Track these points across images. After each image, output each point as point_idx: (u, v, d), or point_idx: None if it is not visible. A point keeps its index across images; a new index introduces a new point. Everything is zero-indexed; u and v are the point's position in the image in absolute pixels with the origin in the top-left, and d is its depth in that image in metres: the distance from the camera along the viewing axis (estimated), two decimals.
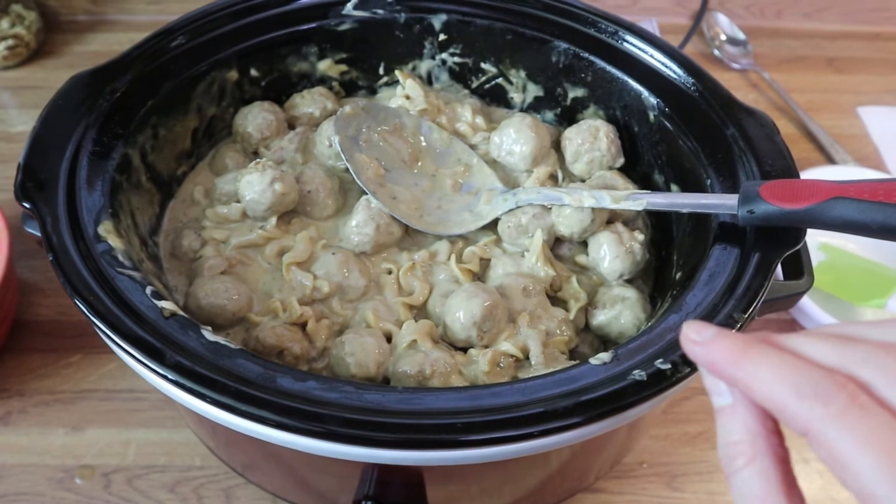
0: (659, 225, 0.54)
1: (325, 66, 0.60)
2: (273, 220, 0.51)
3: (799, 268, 0.46)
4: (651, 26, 0.89)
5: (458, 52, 0.60)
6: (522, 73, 0.60)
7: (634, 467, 0.56)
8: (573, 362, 0.44)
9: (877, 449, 0.21)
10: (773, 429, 0.25)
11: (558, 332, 0.47)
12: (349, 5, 0.57)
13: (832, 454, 0.22)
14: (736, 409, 0.25)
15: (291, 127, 0.58)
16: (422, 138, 0.56)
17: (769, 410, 0.24)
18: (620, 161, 0.55)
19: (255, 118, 0.56)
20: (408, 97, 0.58)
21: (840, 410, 0.22)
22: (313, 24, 0.57)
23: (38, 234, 0.41)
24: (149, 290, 0.40)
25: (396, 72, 0.60)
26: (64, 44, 0.87)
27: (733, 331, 0.26)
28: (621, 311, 0.48)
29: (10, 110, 0.80)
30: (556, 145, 0.57)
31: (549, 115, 0.61)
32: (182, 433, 0.55)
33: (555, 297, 0.50)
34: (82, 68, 0.50)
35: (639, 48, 0.54)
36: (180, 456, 0.54)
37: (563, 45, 0.56)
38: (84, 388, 0.58)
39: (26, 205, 0.42)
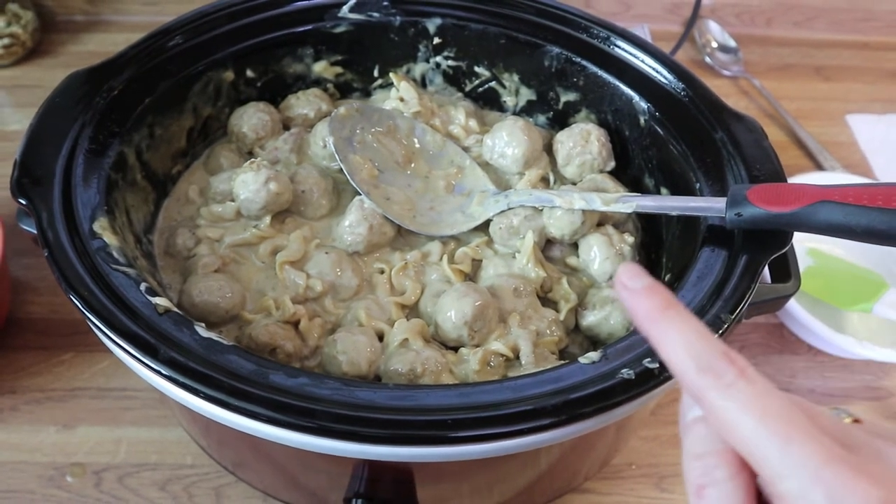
0: (649, 228, 0.55)
1: (320, 67, 0.60)
2: (267, 219, 0.51)
3: (786, 271, 0.46)
4: (643, 32, 0.90)
5: (452, 55, 0.61)
6: (515, 77, 0.60)
7: (623, 468, 0.56)
8: (563, 361, 0.44)
9: (756, 412, 0.23)
10: None
11: (548, 332, 0.48)
12: (345, 8, 0.58)
13: (720, 419, 0.24)
14: None
15: (286, 128, 0.59)
16: (415, 140, 0.56)
17: (670, 370, 0.26)
18: (611, 164, 0.56)
19: (251, 118, 0.56)
20: (402, 99, 0.58)
21: (728, 383, 0.24)
22: (309, 27, 0.58)
23: (34, 231, 0.41)
24: (143, 286, 0.40)
25: (391, 74, 0.61)
26: (60, 43, 0.87)
27: (662, 286, 0.27)
28: (611, 313, 0.49)
29: (4, 109, 0.80)
30: (549, 148, 0.58)
31: (542, 118, 0.62)
32: (173, 432, 0.55)
33: (545, 298, 0.51)
34: (78, 68, 0.50)
35: (630, 53, 0.55)
36: (171, 454, 0.54)
37: (556, 50, 0.57)
38: (76, 386, 0.58)
39: (22, 201, 0.42)
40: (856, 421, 0.27)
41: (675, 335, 0.26)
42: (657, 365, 0.37)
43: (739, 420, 0.24)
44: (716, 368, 0.24)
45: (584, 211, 0.50)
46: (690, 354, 0.25)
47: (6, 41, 0.81)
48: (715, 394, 0.24)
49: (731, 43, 0.93)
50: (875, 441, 0.25)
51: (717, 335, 0.39)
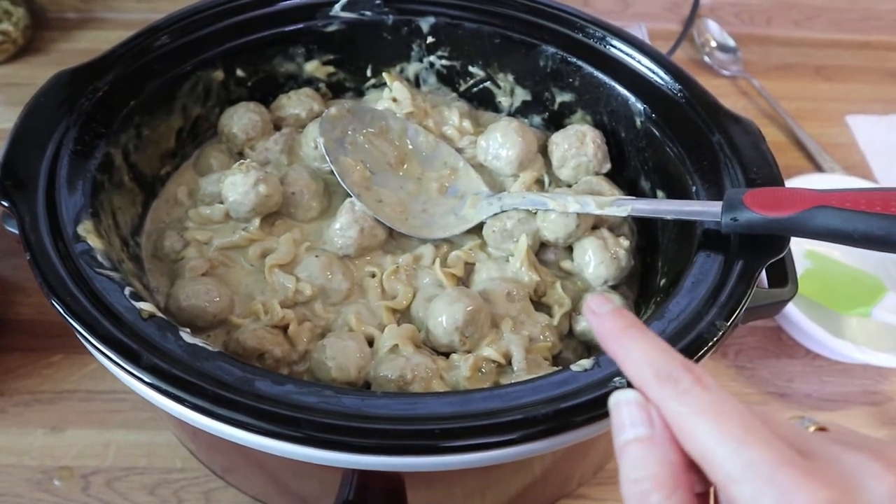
0: (644, 231, 0.54)
1: (312, 67, 0.60)
2: (256, 221, 0.51)
3: (783, 276, 0.46)
4: (640, 32, 0.89)
5: (445, 55, 0.60)
6: (510, 77, 0.60)
7: (617, 474, 0.56)
8: (556, 368, 0.44)
9: (711, 416, 0.25)
10: (691, 464, 0.26)
11: (542, 337, 0.47)
12: (337, 6, 0.57)
13: (678, 425, 0.25)
14: (655, 441, 0.26)
15: (277, 128, 0.58)
16: (408, 141, 0.56)
17: (634, 385, 0.27)
18: (607, 166, 0.55)
19: (241, 119, 0.56)
20: (395, 100, 0.58)
21: (685, 389, 0.25)
22: (300, 25, 0.57)
23: (17, 233, 0.41)
24: (127, 290, 0.39)
25: (384, 74, 0.60)
26: (52, 41, 0.86)
27: (627, 311, 0.29)
28: None
29: None
30: (544, 150, 0.57)
31: (537, 119, 0.61)
32: (162, 435, 0.55)
33: (539, 303, 0.50)
34: (70, 66, 0.49)
35: (626, 54, 0.54)
36: (160, 458, 0.54)
37: (551, 50, 0.56)
38: (65, 388, 0.57)
39: (5, 203, 0.42)
40: (821, 429, 0.28)
41: (637, 351, 0.27)
42: None
43: (695, 424, 0.25)
44: (673, 376, 0.26)
45: (578, 214, 0.49)
46: (650, 366, 0.27)
47: None
48: (673, 401, 0.25)
49: (731, 42, 0.93)
50: (832, 447, 0.25)
51: (711, 343, 0.39)
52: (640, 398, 0.27)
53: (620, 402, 0.28)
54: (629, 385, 0.36)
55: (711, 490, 0.27)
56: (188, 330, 0.39)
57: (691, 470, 0.26)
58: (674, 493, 0.25)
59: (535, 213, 0.51)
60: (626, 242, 0.51)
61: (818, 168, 0.80)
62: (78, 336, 0.38)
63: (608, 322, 0.29)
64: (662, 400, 0.26)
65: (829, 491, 0.22)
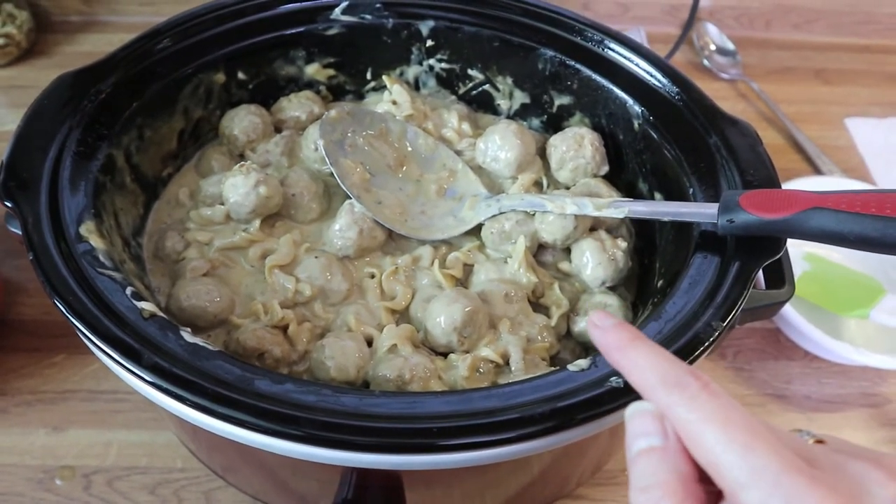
0: (642, 233, 0.54)
1: (312, 70, 0.60)
2: (257, 222, 0.51)
3: (780, 277, 0.46)
4: (639, 35, 0.90)
5: (445, 58, 0.60)
6: (509, 80, 0.60)
7: (616, 474, 0.56)
8: (553, 368, 0.44)
9: (718, 422, 0.25)
10: (703, 478, 0.26)
11: (539, 338, 0.47)
12: (337, 10, 0.58)
13: (685, 431, 0.26)
14: (667, 451, 0.26)
15: (278, 130, 0.58)
16: (407, 143, 0.56)
17: (640, 393, 0.28)
18: (605, 169, 0.56)
19: (242, 121, 0.56)
20: (394, 102, 0.58)
21: (693, 395, 0.26)
22: (301, 28, 0.57)
23: (20, 233, 0.41)
24: (129, 290, 0.40)
25: (384, 77, 0.61)
26: (55, 44, 0.87)
27: (629, 325, 0.30)
28: None
29: (0, 109, 0.80)
30: (542, 152, 0.58)
31: (536, 122, 0.61)
32: (163, 435, 0.55)
33: (537, 304, 0.51)
34: (73, 68, 0.50)
35: (624, 57, 0.55)
36: (161, 458, 0.54)
37: (550, 53, 0.56)
38: (67, 388, 0.57)
39: (8, 204, 0.42)
40: (819, 441, 0.28)
41: (642, 360, 0.28)
42: None
43: (703, 430, 0.25)
44: (681, 383, 0.26)
45: (576, 216, 0.49)
46: (657, 374, 0.27)
47: (1, 41, 0.81)
48: (681, 408, 0.26)
49: (730, 45, 0.93)
50: (835, 455, 0.25)
51: (707, 343, 0.39)
52: (656, 409, 0.27)
53: (636, 413, 0.28)
54: (626, 386, 0.37)
55: None
56: (189, 329, 0.39)
57: (702, 484, 0.26)
58: (684, 501, 0.25)
59: (534, 215, 0.51)
60: (623, 244, 0.51)
61: (817, 171, 0.80)
62: (80, 335, 0.38)
63: (612, 334, 0.29)
64: (670, 406, 0.26)
65: (836, 498, 0.22)
